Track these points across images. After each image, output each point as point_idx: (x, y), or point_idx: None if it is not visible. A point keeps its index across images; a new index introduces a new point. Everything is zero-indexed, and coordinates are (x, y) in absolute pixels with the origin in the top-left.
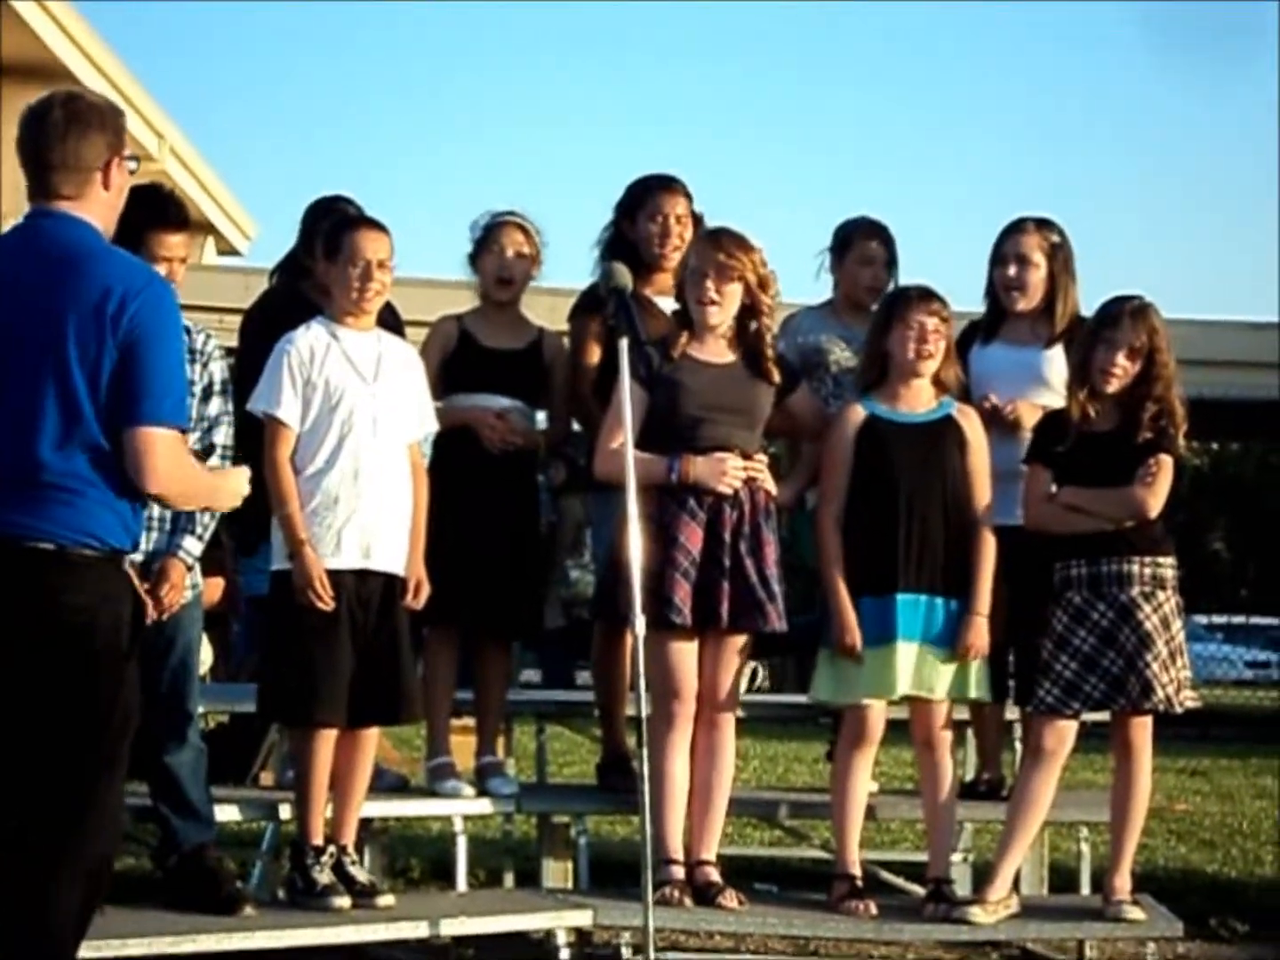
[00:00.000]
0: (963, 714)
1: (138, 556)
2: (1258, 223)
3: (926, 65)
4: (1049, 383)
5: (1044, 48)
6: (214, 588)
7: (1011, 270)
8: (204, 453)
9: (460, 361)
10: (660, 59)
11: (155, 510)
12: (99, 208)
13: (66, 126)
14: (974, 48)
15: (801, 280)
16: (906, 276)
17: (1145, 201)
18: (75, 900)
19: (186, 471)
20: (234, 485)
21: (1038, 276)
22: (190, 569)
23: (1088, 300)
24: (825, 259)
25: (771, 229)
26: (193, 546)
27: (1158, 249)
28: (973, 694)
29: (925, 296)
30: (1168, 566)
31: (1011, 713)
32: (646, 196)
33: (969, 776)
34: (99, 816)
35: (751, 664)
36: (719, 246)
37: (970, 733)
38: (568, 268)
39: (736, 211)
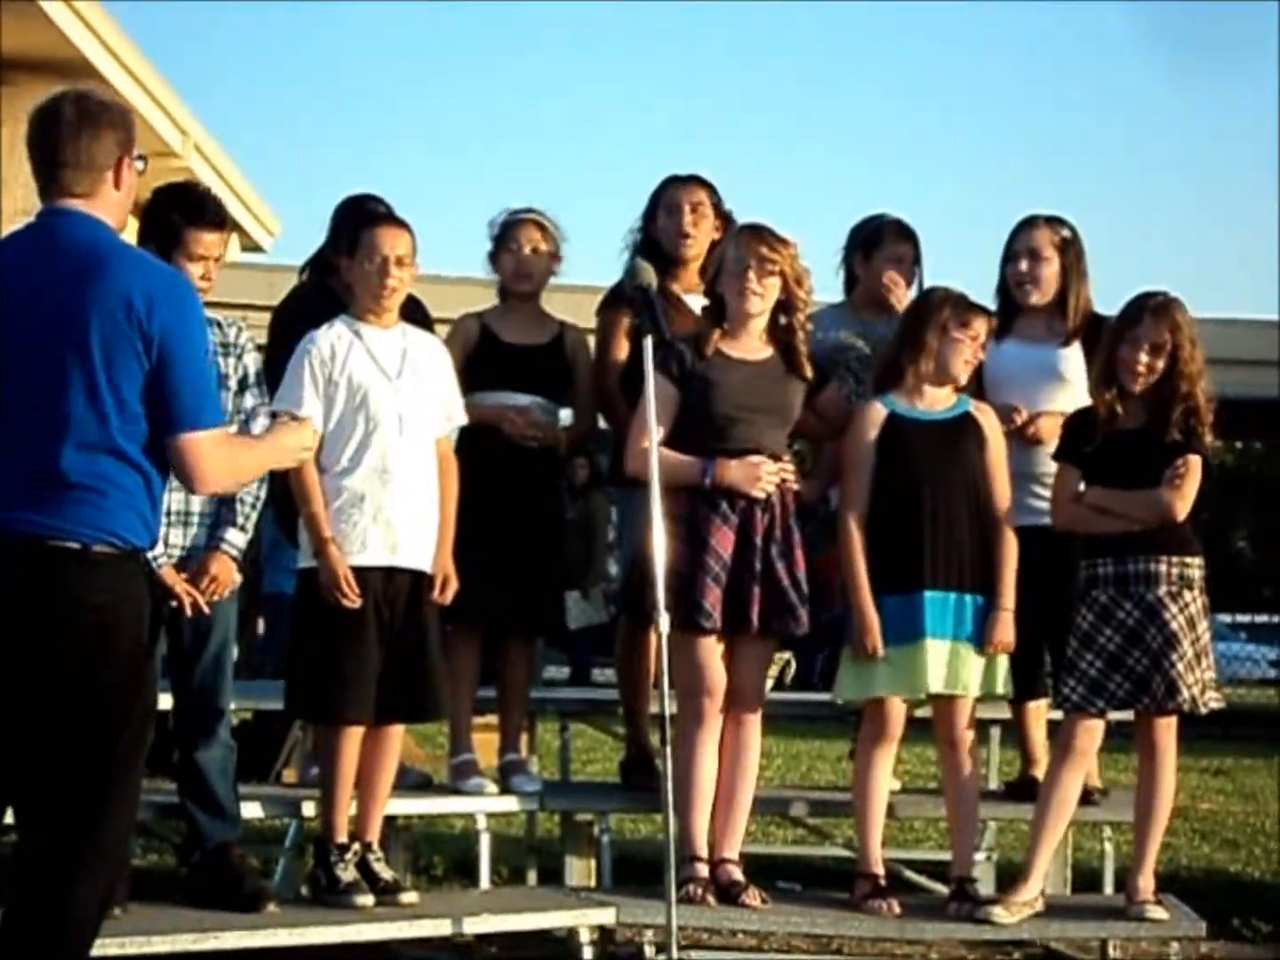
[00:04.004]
0: (985, 713)
1: (176, 552)
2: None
3: (924, 65)
4: (1067, 380)
5: (1043, 47)
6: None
7: (1024, 265)
8: None
9: (482, 358)
10: (691, 58)
11: (195, 505)
12: (111, 206)
13: (79, 125)
14: (972, 48)
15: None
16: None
17: (1147, 198)
18: (94, 898)
19: (235, 463)
20: (289, 443)
21: (1050, 271)
22: (235, 560)
23: (1102, 298)
24: (843, 255)
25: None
26: (236, 539)
27: (1164, 246)
28: (999, 690)
29: (986, 309)
30: (1195, 567)
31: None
32: (664, 191)
33: (993, 776)
34: (118, 815)
35: (784, 656)
36: (761, 239)
37: (995, 732)
38: (593, 264)
39: (752, 208)
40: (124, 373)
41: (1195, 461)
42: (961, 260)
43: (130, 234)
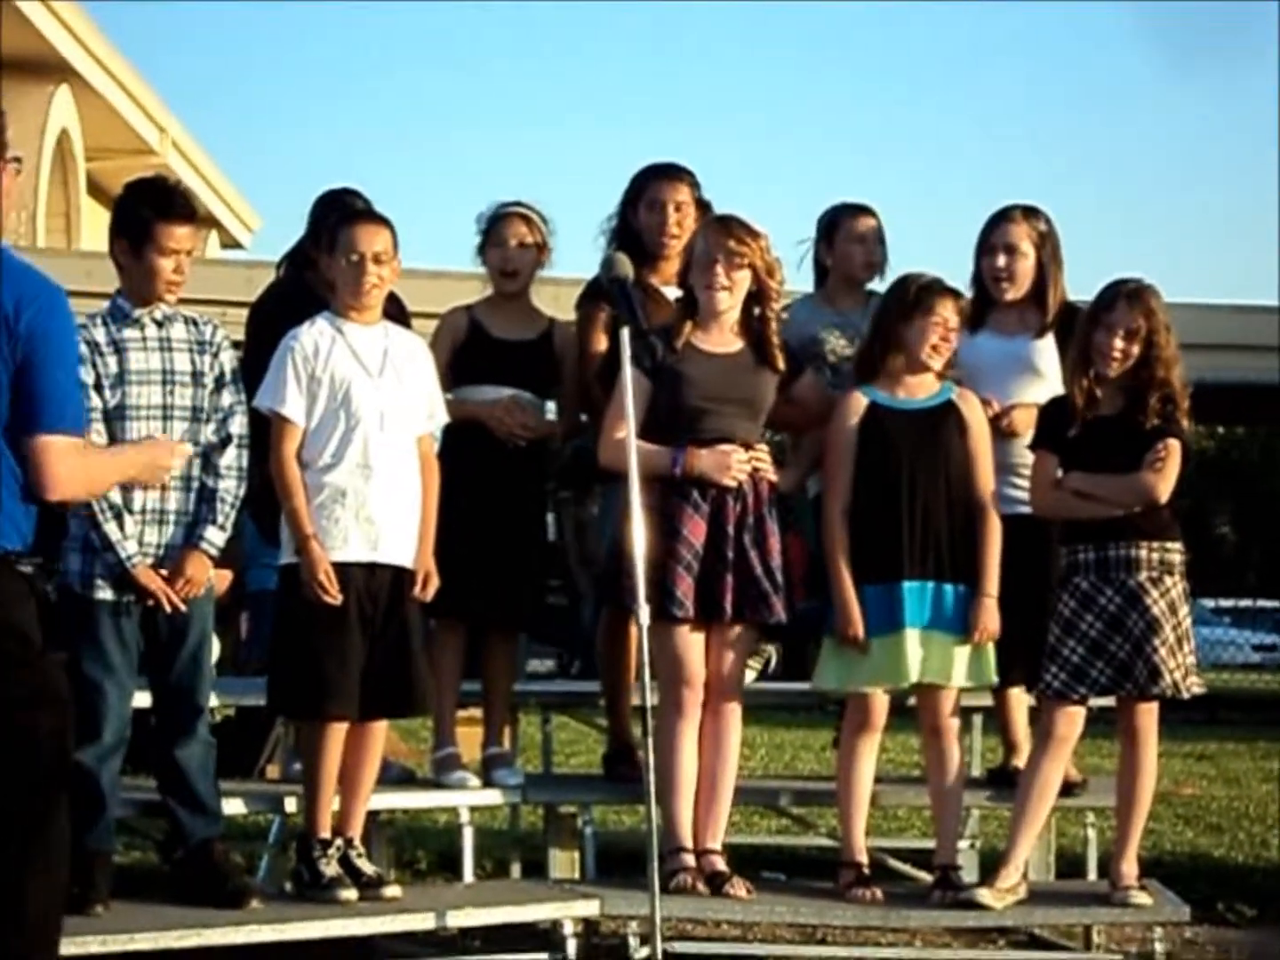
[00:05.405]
0: (969, 700)
1: (152, 551)
2: (1258, 208)
3: (923, 64)
4: (1041, 373)
5: (1043, 46)
6: (223, 580)
7: (1001, 260)
8: (221, 444)
9: (471, 353)
10: (675, 50)
11: (171, 503)
12: None
13: None
14: (971, 46)
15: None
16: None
17: (1145, 190)
18: (53, 892)
19: (89, 473)
20: (145, 460)
21: (1026, 266)
22: (214, 559)
23: (1089, 288)
24: (808, 248)
25: (763, 217)
26: (215, 537)
27: (1159, 235)
28: (986, 679)
29: (952, 291)
30: (1175, 552)
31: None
32: (647, 185)
33: (976, 764)
34: (61, 801)
35: (767, 649)
36: (729, 232)
37: (977, 719)
38: (575, 257)
39: (732, 199)
40: None
41: (1175, 445)
42: (961, 259)
43: (100, 229)
